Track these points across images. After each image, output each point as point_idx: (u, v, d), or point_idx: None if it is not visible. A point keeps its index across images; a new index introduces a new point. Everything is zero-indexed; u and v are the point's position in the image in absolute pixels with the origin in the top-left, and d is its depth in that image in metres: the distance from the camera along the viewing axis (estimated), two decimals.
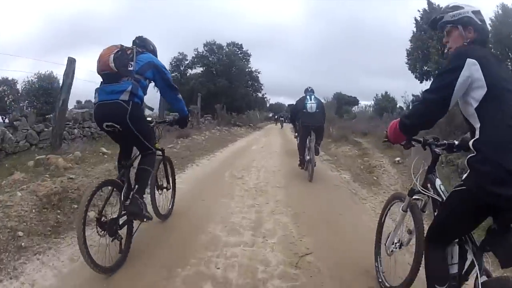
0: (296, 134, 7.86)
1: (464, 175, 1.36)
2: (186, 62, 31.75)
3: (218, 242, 2.71)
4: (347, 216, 3.59)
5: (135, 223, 2.46)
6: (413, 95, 20.24)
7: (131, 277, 2.17)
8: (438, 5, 15.01)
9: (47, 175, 3.86)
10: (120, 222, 2.28)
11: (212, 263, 2.36)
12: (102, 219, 2.12)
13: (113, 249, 2.24)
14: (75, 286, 2.05)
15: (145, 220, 2.49)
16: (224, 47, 31.66)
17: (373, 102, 29.05)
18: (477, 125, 1.34)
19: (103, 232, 2.11)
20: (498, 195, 1.23)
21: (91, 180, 3.75)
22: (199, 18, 72.88)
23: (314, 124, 5.56)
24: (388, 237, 2.07)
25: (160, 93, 2.69)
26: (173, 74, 27.27)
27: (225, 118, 18.70)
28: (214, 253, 2.52)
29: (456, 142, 1.76)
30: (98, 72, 2.38)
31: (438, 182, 1.69)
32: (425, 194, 1.75)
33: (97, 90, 2.38)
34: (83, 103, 24.30)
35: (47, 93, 15.86)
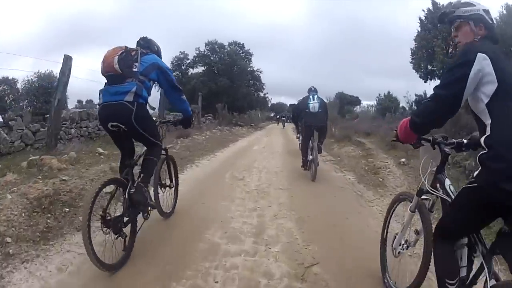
0: (298, 135, 7.71)
1: (476, 172, 1.33)
2: (188, 61, 31.64)
3: (217, 251, 2.52)
4: (354, 220, 3.40)
5: (139, 221, 2.47)
6: (416, 95, 20.15)
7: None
8: (443, 5, 14.93)
9: (40, 177, 3.71)
10: (125, 220, 2.28)
11: (210, 276, 2.17)
12: (106, 217, 2.12)
13: (109, 248, 2.18)
14: None
15: (149, 208, 2.55)
16: (226, 46, 31.53)
17: (375, 102, 28.75)
18: (488, 122, 1.32)
19: (107, 229, 2.12)
20: (510, 192, 1.20)
21: (85, 182, 3.59)
22: (200, 18, 72.84)
23: (317, 124, 5.54)
24: (394, 238, 2.02)
25: (165, 94, 2.73)
26: (174, 74, 26.96)
27: (226, 118, 18.56)
28: (212, 263, 2.32)
29: (465, 141, 1.75)
30: (103, 74, 2.40)
31: (447, 182, 1.66)
32: (434, 194, 1.72)
33: (101, 91, 2.39)
34: (84, 103, 24.29)
35: (47, 92, 15.66)
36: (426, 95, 18.99)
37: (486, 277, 1.34)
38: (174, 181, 3.32)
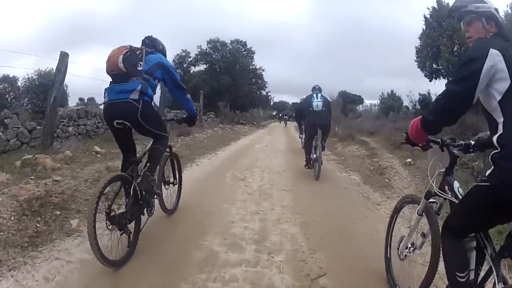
0: (301, 135, 7.54)
1: (488, 171, 1.31)
2: (189, 59, 31.48)
3: (215, 261, 2.32)
4: (362, 225, 3.22)
5: (143, 218, 2.49)
6: (420, 94, 19.92)
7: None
8: (447, 3, 14.74)
9: (32, 177, 3.55)
10: (129, 216, 2.29)
11: None
12: (111, 213, 2.15)
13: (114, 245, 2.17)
14: None
15: (155, 196, 2.62)
16: (228, 44, 31.36)
17: (378, 101, 28.40)
18: (500, 120, 1.30)
19: (112, 226, 2.14)
20: None
21: (78, 183, 3.43)
22: (201, 17, 72.45)
23: (321, 122, 5.53)
24: (401, 241, 2.00)
25: (169, 92, 2.79)
26: None
27: (228, 116, 18.37)
28: (210, 275, 2.12)
29: (472, 142, 1.74)
30: (108, 72, 2.43)
31: (456, 184, 1.65)
32: (442, 197, 1.71)
33: (106, 89, 2.43)
34: (85, 101, 24.19)
35: (47, 90, 15.54)
36: (430, 94, 18.81)
37: (495, 281, 1.32)
38: (178, 178, 3.36)
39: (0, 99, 16.44)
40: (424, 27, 16.72)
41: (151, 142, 2.62)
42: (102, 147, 5.36)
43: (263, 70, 33.80)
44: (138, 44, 2.64)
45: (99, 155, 4.90)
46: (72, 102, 17.65)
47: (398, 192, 4.72)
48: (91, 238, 1.95)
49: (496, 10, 1.51)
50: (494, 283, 1.31)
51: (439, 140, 1.71)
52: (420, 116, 1.53)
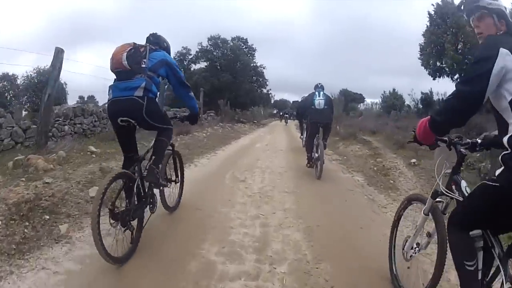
0: (302, 136, 7.38)
1: (498, 171, 1.30)
2: (190, 57, 31.27)
3: (212, 273, 2.13)
4: (369, 230, 3.05)
5: (146, 215, 2.50)
6: (422, 92, 19.72)
7: None
8: (452, 1, 14.51)
9: (23, 179, 3.40)
10: (133, 213, 2.30)
11: None
12: (114, 210, 2.15)
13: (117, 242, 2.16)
14: None
15: (161, 188, 2.74)
16: (229, 42, 31.12)
17: (380, 100, 28.12)
18: (511, 120, 1.30)
19: (115, 222, 2.15)
20: None
21: (70, 185, 3.28)
22: (201, 17, 72.13)
23: (322, 121, 5.49)
24: (406, 242, 1.98)
25: (173, 90, 2.80)
26: None
27: (228, 114, 18.17)
28: None
29: (479, 141, 1.72)
30: (112, 70, 2.44)
31: (463, 183, 1.62)
32: (449, 196, 1.69)
33: (110, 87, 2.43)
34: (86, 99, 24.04)
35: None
36: (432, 93, 18.62)
37: (502, 280, 1.31)
38: (180, 176, 3.37)
39: (0, 97, 16.34)
40: (428, 24, 16.50)
41: (152, 145, 2.62)
42: (98, 146, 5.21)
43: (264, 68, 33.60)
44: (141, 41, 2.64)
45: (94, 155, 4.74)
46: (73, 100, 17.46)
47: (404, 194, 4.55)
48: (94, 234, 1.95)
49: (506, 9, 1.51)
50: (502, 283, 1.31)
51: (446, 138, 1.70)
52: (429, 116, 1.51)
